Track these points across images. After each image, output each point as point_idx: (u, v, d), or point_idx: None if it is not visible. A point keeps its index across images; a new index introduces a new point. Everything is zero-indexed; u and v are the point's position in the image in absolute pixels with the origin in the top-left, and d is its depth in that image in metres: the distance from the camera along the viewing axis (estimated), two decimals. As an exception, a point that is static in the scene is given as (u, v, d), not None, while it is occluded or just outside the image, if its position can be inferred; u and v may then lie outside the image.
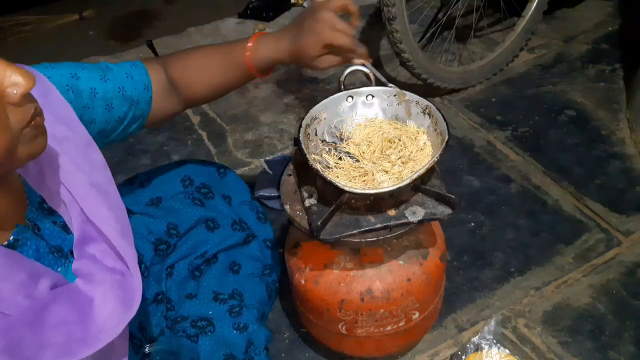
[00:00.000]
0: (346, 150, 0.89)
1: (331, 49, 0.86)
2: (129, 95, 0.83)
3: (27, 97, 0.52)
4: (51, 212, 0.65)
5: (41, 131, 0.55)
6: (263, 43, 0.88)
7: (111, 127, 0.82)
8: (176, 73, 0.89)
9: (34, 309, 0.56)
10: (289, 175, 0.95)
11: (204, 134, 1.71)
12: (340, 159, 0.88)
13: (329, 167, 0.87)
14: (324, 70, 0.89)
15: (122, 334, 0.60)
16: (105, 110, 0.80)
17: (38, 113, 0.54)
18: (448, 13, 1.71)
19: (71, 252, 0.64)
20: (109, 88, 0.80)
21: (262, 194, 1.39)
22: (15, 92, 0.50)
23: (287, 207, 0.90)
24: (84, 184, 0.63)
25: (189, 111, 1.79)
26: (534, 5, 1.73)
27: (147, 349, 0.91)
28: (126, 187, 1.10)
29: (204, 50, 0.92)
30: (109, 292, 0.61)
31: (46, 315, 0.57)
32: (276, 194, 1.37)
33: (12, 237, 0.59)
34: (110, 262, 0.63)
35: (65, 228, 0.66)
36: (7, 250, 0.57)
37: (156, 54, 2.04)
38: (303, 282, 0.96)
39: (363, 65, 0.90)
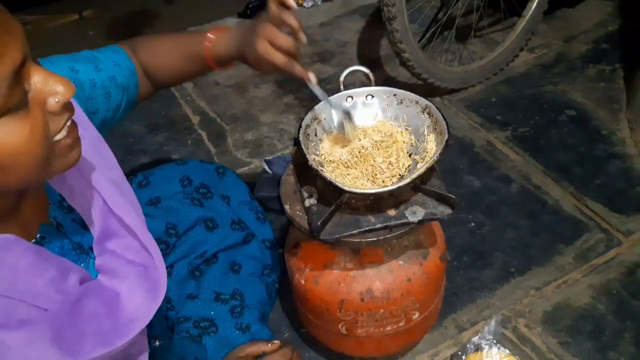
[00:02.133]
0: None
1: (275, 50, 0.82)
2: (120, 83, 0.84)
3: (66, 107, 0.52)
4: (70, 210, 0.66)
5: (77, 143, 0.55)
6: (221, 38, 0.87)
7: (110, 115, 0.84)
8: (143, 59, 0.90)
9: (68, 302, 0.58)
10: (289, 175, 0.95)
11: (204, 134, 1.71)
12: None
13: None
14: (264, 72, 0.86)
15: (142, 329, 0.61)
16: (105, 99, 0.81)
17: (74, 124, 0.54)
18: (448, 13, 1.70)
19: (91, 249, 0.66)
20: (103, 77, 0.81)
21: (262, 194, 1.39)
22: (56, 100, 0.50)
23: (287, 207, 0.90)
24: (104, 180, 0.65)
25: (189, 111, 1.80)
26: (534, 5, 1.73)
27: (157, 343, 0.91)
28: (125, 187, 1.10)
29: (166, 38, 0.93)
30: (134, 285, 0.62)
31: (81, 307, 0.58)
32: (276, 194, 1.37)
33: (38, 235, 0.61)
34: (132, 256, 0.64)
35: (84, 225, 0.67)
36: (36, 246, 0.58)
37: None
38: (303, 282, 0.96)
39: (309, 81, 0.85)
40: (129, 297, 0.61)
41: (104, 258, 0.64)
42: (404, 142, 0.90)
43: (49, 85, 0.50)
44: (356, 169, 0.86)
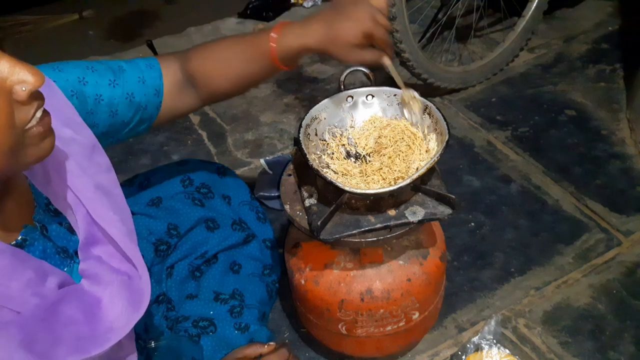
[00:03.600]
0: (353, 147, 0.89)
1: (367, 41, 0.80)
2: (137, 102, 0.82)
3: (34, 95, 0.51)
4: (57, 214, 0.66)
5: (49, 132, 0.55)
6: (289, 32, 0.82)
7: (115, 129, 0.82)
8: (196, 67, 0.86)
9: (44, 306, 0.57)
10: (289, 175, 0.95)
11: (204, 134, 1.71)
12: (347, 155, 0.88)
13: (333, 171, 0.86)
14: (351, 63, 0.84)
15: (129, 334, 0.61)
16: (109, 116, 0.80)
17: (46, 113, 0.53)
18: (448, 13, 1.71)
19: (76, 253, 0.65)
20: (116, 94, 0.79)
21: (262, 194, 1.39)
22: (23, 89, 0.49)
23: (287, 207, 0.90)
24: (89, 187, 0.63)
25: (189, 111, 1.80)
26: (534, 5, 1.73)
27: (152, 344, 0.91)
28: (125, 188, 1.10)
29: (225, 42, 0.88)
30: (116, 294, 0.61)
31: (57, 312, 0.57)
32: (276, 194, 1.37)
33: (20, 237, 0.60)
34: (116, 264, 0.63)
35: (71, 229, 0.66)
36: (13, 248, 0.57)
37: (156, 54, 2.04)
38: (303, 282, 0.96)
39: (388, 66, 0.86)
40: (110, 305, 0.60)
41: (88, 263, 0.63)
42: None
43: (15, 73, 0.49)
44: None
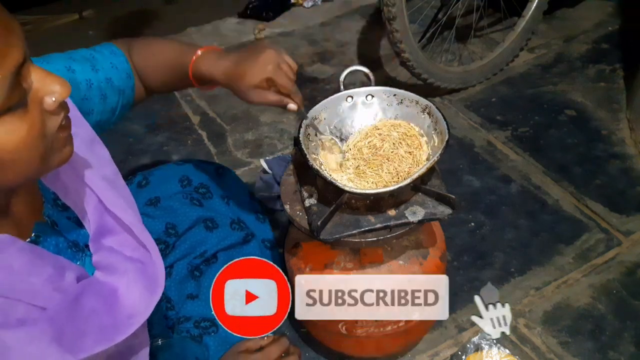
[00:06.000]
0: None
1: (270, 85, 0.82)
2: (117, 86, 0.84)
3: (62, 105, 0.53)
4: (64, 208, 0.66)
5: (70, 139, 0.56)
6: (206, 57, 0.84)
7: (105, 118, 0.83)
8: (136, 61, 0.88)
9: (67, 300, 0.58)
10: (289, 175, 0.95)
11: (204, 134, 1.71)
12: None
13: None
14: (254, 104, 0.84)
15: (142, 323, 0.62)
16: (100, 100, 0.81)
17: (68, 119, 0.55)
18: (448, 13, 1.71)
19: (86, 246, 0.66)
20: (100, 79, 0.81)
21: (262, 194, 1.39)
22: (53, 99, 0.51)
23: (287, 207, 0.90)
24: (98, 178, 0.65)
25: (189, 111, 1.80)
26: (534, 5, 1.73)
27: (159, 342, 0.92)
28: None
29: (162, 44, 0.90)
30: (132, 281, 0.62)
31: (79, 306, 0.58)
32: (276, 194, 1.37)
33: (33, 234, 0.61)
34: (129, 252, 0.64)
35: (79, 223, 0.67)
36: (32, 245, 0.58)
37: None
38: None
39: (296, 111, 0.87)
40: (127, 293, 0.61)
41: (102, 254, 0.64)
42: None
43: (46, 84, 0.51)
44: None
